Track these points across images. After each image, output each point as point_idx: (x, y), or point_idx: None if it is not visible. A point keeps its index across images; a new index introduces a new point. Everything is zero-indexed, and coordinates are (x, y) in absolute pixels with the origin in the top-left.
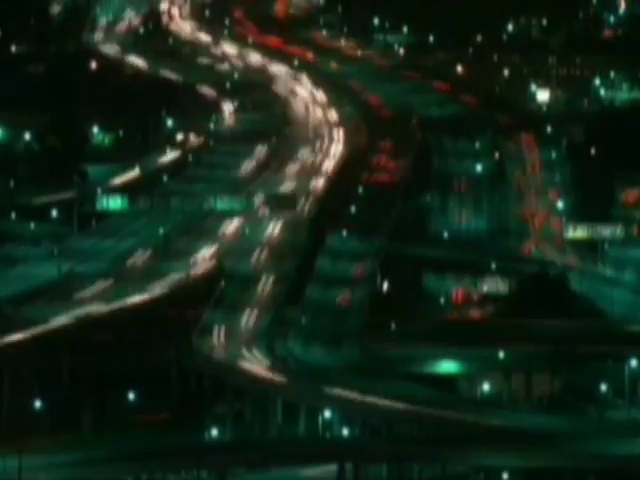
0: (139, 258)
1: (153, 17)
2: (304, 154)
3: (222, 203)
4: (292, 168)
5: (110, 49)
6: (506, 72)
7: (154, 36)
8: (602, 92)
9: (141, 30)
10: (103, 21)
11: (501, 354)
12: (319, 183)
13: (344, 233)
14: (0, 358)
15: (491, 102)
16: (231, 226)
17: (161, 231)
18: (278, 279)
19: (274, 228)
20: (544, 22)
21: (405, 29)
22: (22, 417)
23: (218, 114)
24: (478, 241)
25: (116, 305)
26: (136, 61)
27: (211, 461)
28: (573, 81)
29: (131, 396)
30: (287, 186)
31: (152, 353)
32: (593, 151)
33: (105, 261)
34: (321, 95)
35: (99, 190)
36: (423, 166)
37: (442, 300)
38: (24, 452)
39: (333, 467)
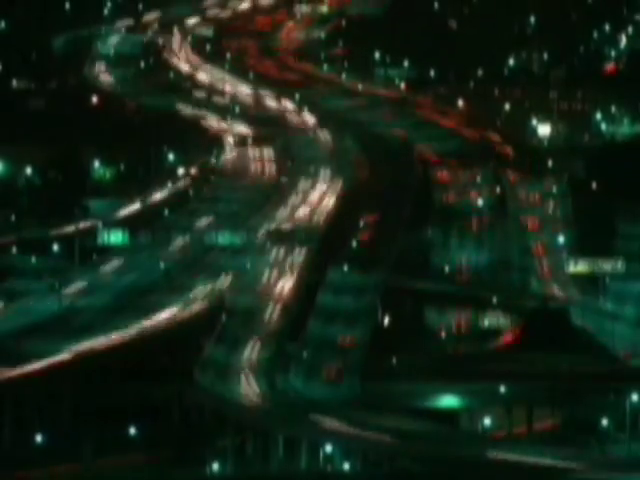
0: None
1: (154, 51)
2: (305, 188)
3: (223, 237)
4: (293, 202)
5: (111, 83)
6: (507, 106)
7: (155, 70)
8: (603, 126)
9: (142, 64)
10: (104, 56)
11: (502, 388)
12: (320, 217)
13: (345, 267)
14: (1, 391)
15: (492, 136)
16: (232, 260)
17: (162, 265)
18: (279, 314)
19: (274, 261)
20: (545, 56)
21: (406, 63)
22: (23, 450)
23: (219, 148)
24: (479, 275)
25: (118, 338)
26: (137, 95)
27: None
28: (574, 115)
29: (132, 430)
30: (288, 220)
31: (153, 387)
32: (594, 185)
33: (106, 295)
34: (322, 125)
35: (100, 224)
36: (424, 200)
37: (443, 334)
38: None
39: None
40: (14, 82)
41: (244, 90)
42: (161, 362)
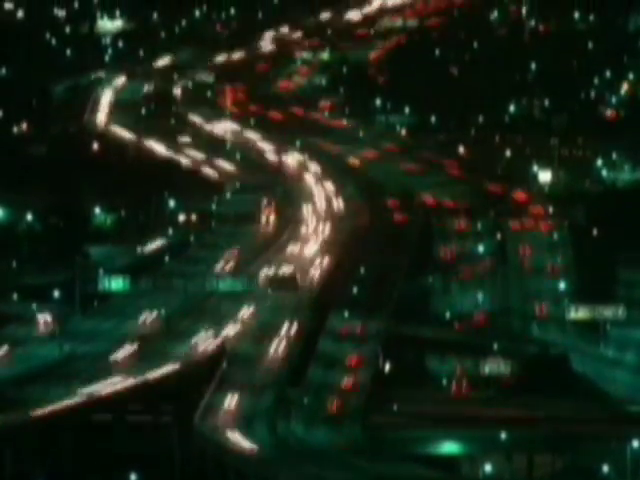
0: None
1: (155, 98)
2: (306, 234)
3: (224, 284)
4: (294, 248)
5: (112, 130)
6: (508, 153)
7: (156, 117)
8: (604, 173)
9: (143, 111)
10: (105, 102)
11: (503, 435)
12: (321, 264)
13: (346, 314)
14: (2, 438)
15: (493, 182)
16: (233, 308)
17: (163, 312)
18: (280, 359)
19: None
20: (546, 103)
21: (407, 110)
22: None
23: (220, 195)
24: (480, 322)
25: (119, 385)
26: (138, 141)
27: None
28: (575, 162)
29: (133, 477)
30: (288, 267)
31: (154, 434)
32: (595, 231)
33: (107, 342)
34: (322, 172)
35: (101, 271)
36: (425, 247)
37: (444, 381)
38: None
39: None
40: (15, 128)
41: (245, 136)
42: (162, 409)
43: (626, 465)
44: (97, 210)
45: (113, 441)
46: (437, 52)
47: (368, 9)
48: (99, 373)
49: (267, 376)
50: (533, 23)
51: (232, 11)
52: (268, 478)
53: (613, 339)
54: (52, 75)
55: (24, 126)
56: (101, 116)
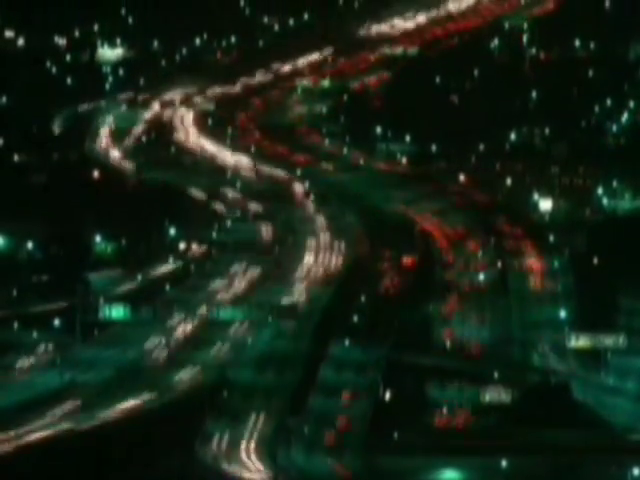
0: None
1: (155, 126)
2: (306, 262)
3: (224, 312)
4: (295, 277)
5: (112, 158)
6: (509, 181)
7: (156, 145)
8: (605, 201)
9: (143, 139)
10: (105, 130)
11: (503, 463)
12: (322, 292)
13: (346, 342)
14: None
15: (494, 211)
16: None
17: (163, 341)
18: (280, 388)
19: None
20: (547, 131)
21: (407, 138)
22: None
23: (221, 223)
24: (481, 350)
25: (119, 413)
26: (138, 170)
27: None
28: (575, 190)
29: None
30: (289, 296)
31: (155, 463)
32: (596, 260)
33: (107, 370)
34: (322, 199)
35: (101, 299)
36: (426, 275)
37: (445, 409)
38: None
39: None
40: (15, 156)
41: (245, 164)
42: (162, 437)
43: None
44: (98, 238)
45: (113, 470)
46: (437, 80)
47: (368, 37)
48: (99, 401)
49: (267, 403)
50: (534, 51)
51: (232, 39)
52: None
53: (614, 367)
54: (52, 103)
55: (24, 154)
56: (101, 144)
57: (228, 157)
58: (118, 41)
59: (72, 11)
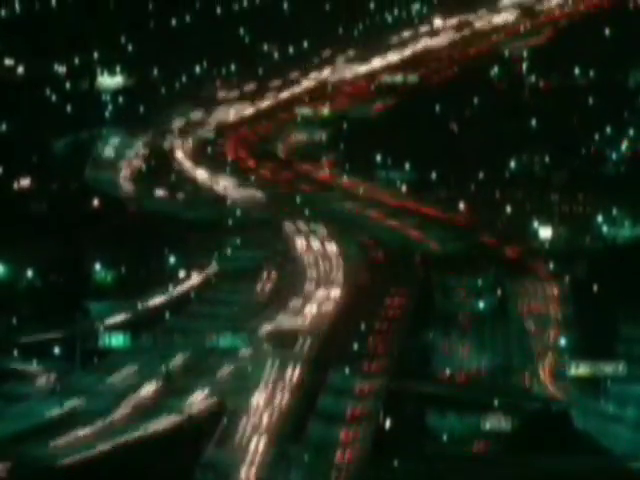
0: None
1: (155, 154)
2: (306, 290)
3: (224, 340)
4: (295, 304)
5: (112, 186)
6: (508, 209)
7: (156, 173)
8: (604, 229)
9: (143, 167)
10: (105, 158)
11: None
12: (322, 320)
13: (346, 370)
14: None
15: (494, 239)
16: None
17: (163, 368)
18: (280, 415)
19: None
20: (546, 159)
21: (407, 166)
22: None
23: (220, 250)
24: (481, 378)
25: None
26: (138, 198)
27: None
28: (575, 218)
29: None
30: (289, 322)
31: None
32: (596, 288)
33: (107, 398)
34: (323, 231)
35: (101, 327)
36: (426, 303)
37: (445, 437)
38: None
39: None
40: (15, 184)
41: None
42: (162, 465)
43: None
44: (97, 266)
45: None
46: (437, 108)
47: (369, 65)
48: (99, 429)
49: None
50: (533, 79)
51: (232, 67)
52: None
53: (614, 395)
54: (52, 131)
55: (24, 182)
56: (101, 172)
57: (227, 185)
58: (118, 69)
59: (72, 39)
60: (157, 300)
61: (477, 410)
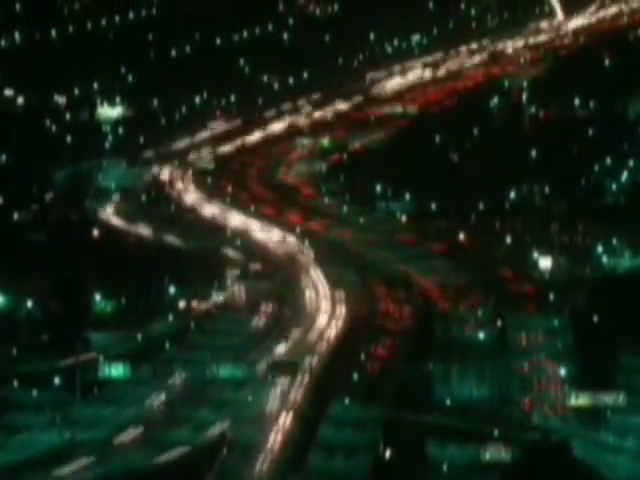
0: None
1: (155, 185)
2: (306, 320)
3: (224, 370)
4: (295, 334)
5: (112, 216)
6: (508, 239)
7: (156, 203)
8: (604, 259)
9: (143, 198)
10: (105, 189)
11: None
12: (322, 349)
13: (346, 401)
14: None
15: (494, 269)
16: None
17: (163, 397)
18: (282, 446)
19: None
20: (546, 189)
21: (407, 197)
22: None
23: (221, 281)
24: (481, 408)
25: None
26: (138, 228)
27: None
28: (575, 248)
29: None
30: (289, 352)
31: None
32: (595, 318)
33: (107, 429)
34: (324, 260)
35: (101, 357)
36: (426, 333)
37: (445, 467)
38: None
39: None
40: (15, 214)
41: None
42: None
43: None
44: (97, 297)
45: None
46: (437, 138)
47: (368, 95)
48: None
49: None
50: (533, 109)
51: (232, 98)
52: None
53: (614, 426)
54: (52, 162)
55: (24, 213)
56: (101, 203)
57: (228, 216)
58: (117, 99)
59: (71, 70)
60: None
61: (477, 440)
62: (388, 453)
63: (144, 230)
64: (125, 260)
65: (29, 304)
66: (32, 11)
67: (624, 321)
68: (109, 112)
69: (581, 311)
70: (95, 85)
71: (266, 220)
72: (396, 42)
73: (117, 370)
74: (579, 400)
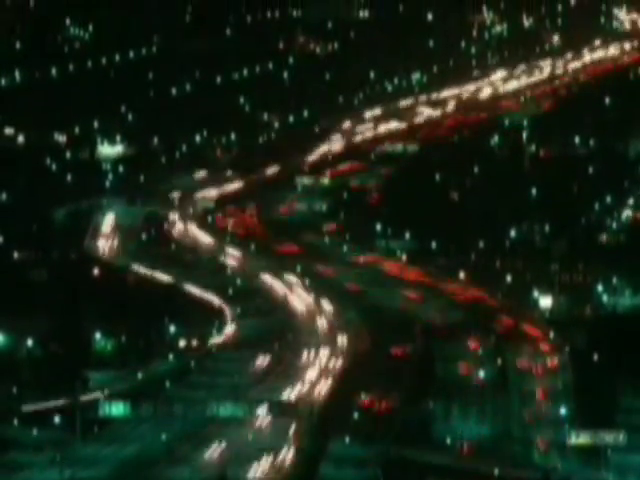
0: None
1: (155, 223)
2: (306, 359)
3: (224, 410)
4: (295, 374)
5: (112, 255)
6: (509, 278)
7: (156, 242)
8: (604, 298)
9: (143, 236)
10: (105, 227)
11: None
12: (323, 390)
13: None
14: None
15: (494, 307)
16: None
17: (163, 437)
18: None
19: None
20: (546, 228)
21: (407, 235)
22: None
23: (220, 320)
24: (481, 447)
25: None
26: (138, 267)
27: None
28: (575, 287)
29: None
30: (290, 393)
31: None
32: (596, 357)
33: (107, 468)
34: (324, 301)
35: (101, 396)
36: (426, 372)
37: None
38: None
39: None
40: (15, 253)
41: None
42: None
43: None
44: (98, 336)
45: None
46: (437, 177)
47: (368, 134)
48: None
49: None
50: (533, 148)
51: (232, 136)
52: None
53: (614, 465)
54: (53, 200)
55: (24, 251)
56: (101, 242)
57: (228, 254)
58: (118, 138)
59: (72, 108)
60: (157, 369)
61: (477, 479)
62: None
63: (144, 269)
64: (125, 299)
65: (29, 343)
66: (33, 49)
67: (624, 360)
68: (109, 151)
69: (581, 350)
70: (95, 123)
71: (265, 258)
72: (396, 80)
73: (117, 409)
74: (579, 439)
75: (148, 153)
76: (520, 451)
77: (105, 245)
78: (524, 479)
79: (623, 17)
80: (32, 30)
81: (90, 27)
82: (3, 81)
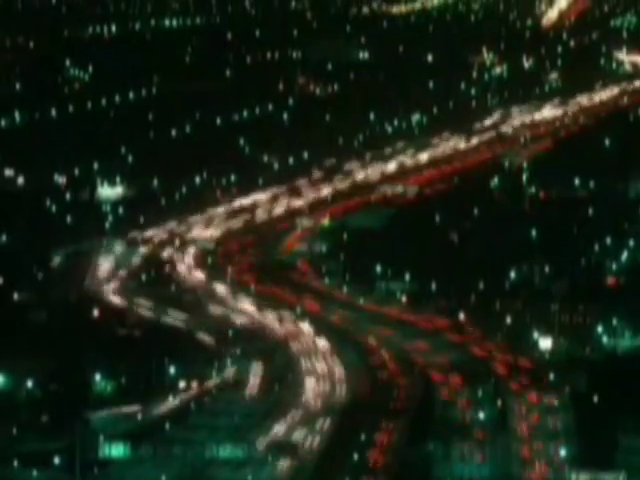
0: None
1: (154, 262)
2: (307, 398)
3: (224, 451)
4: (295, 414)
5: (112, 296)
6: (509, 319)
7: (156, 282)
8: (604, 339)
9: (143, 277)
10: (105, 269)
11: None
12: (324, 425)
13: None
14: None
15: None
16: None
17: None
18: None
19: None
20: (547, 269)
21: (407, 276)
22: None
23: (220, 361)
24: None
25: None
26: (138, 308)
27: None
28: (575, 328)
29: None
30: (290, 429)
31: None
32: (596, 398)
33: None
34: (324, 342)
35: (101, 437)
36: (425, 415)
37: None
38: None
39: None
40: (15, 295)
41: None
42: None
43: None
44: (97, 377)
45: None
46: (437, 218)
47: (367, 176)
48: None
49: None
50: (533, 190)
51: (232, 177)
52: None
53: None
54: (52, 242)
55: (24, 293)
56: (101, 283)
57: (227, 295)
58: (118, 179)
59: (72, 149)
60: (157, 411)
61: None
62: None
63: (144, 310)
64: (125, 340)
65: (29, 384)
66: (32, 90)
67: (624, 401)
68: (109, 192)
69: (581, 391)
70: (95, 165)
71: (265, 300)
72: (396, 122)
73: (117, 450)
74: (580, 479)
75: (148, 194)
76: None
77: (105, 286)
78: None
79: (623, 58)
80: (32, 71)
81: (90, 68)
82: (3, 122)
